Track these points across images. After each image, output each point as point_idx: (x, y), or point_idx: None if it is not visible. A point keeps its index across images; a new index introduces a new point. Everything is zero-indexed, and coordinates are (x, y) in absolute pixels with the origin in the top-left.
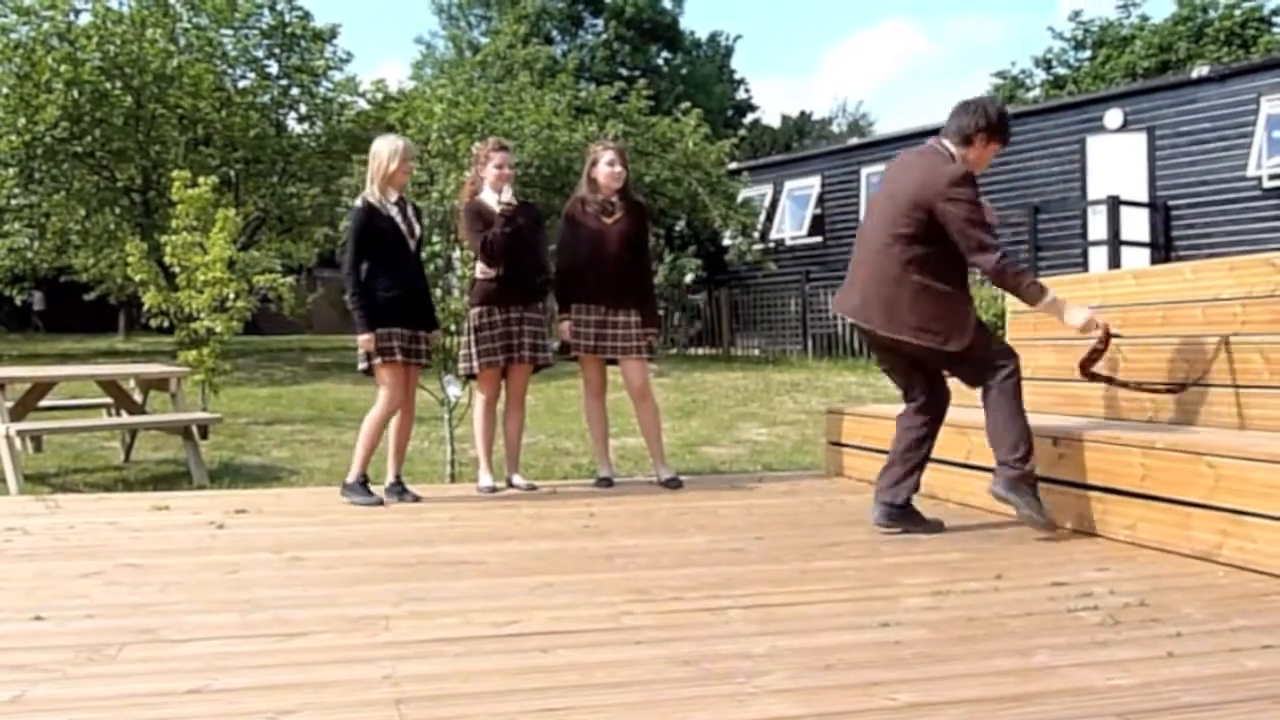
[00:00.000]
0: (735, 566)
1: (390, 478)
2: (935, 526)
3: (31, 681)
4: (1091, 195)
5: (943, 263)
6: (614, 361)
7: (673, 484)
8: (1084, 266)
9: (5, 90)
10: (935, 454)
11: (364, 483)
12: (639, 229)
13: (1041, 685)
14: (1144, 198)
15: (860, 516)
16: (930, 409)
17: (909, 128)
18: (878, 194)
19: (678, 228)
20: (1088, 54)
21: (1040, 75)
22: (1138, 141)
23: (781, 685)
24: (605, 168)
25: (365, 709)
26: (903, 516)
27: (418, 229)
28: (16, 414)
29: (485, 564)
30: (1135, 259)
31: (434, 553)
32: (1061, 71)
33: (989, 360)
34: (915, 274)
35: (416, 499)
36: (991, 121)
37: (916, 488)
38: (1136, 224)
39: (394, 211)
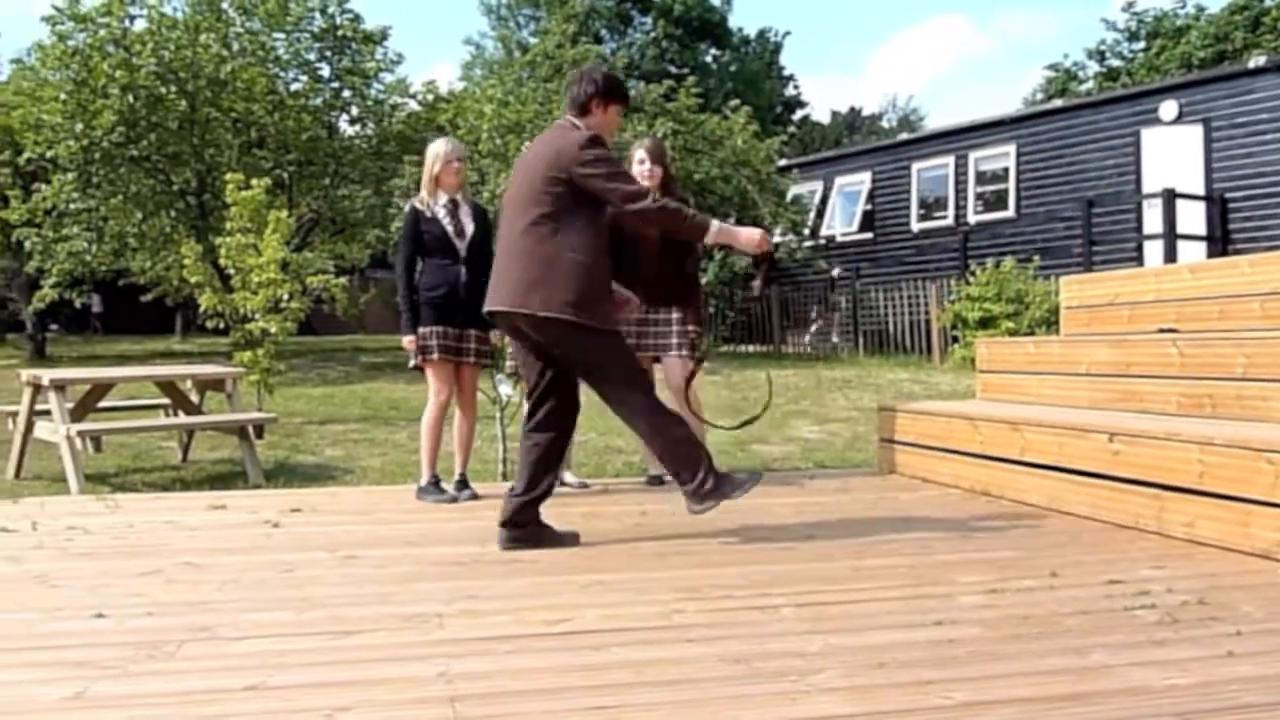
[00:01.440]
0: (786, 564)
1: (456, 474)
2: (569, 539)
3: (93, 678)
4: (1146, 189)
5: (586, 236)
6: (659, 359)
7: (657, 482)
8: (1139, 261)
9: (63, 96)
10: (989, 450)
11: (434, 482)
12: None
13: (1097, 685)
14: (1200, 190)
15: (913, 514)
16: (553, 424)
17: (960, 122)
18: (511, 190)
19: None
20: (1142, 45)
21: (1093, 67)
22: (1194, 134)
23: (834, 683)
24: (637, 166)
25: (419, 706)
26: (528, 535)
27: (469, 229)
28: (77, 415)
29: (537, 562)
30: (1192, 253)
31: (486, 551)
32: (1115, 63)
33: (628, 380)
34: (565, 251)
35: (475, 496)
36: (600, 86)
37: (538, 499)
38: (1193, 217)
39: (442, 213)
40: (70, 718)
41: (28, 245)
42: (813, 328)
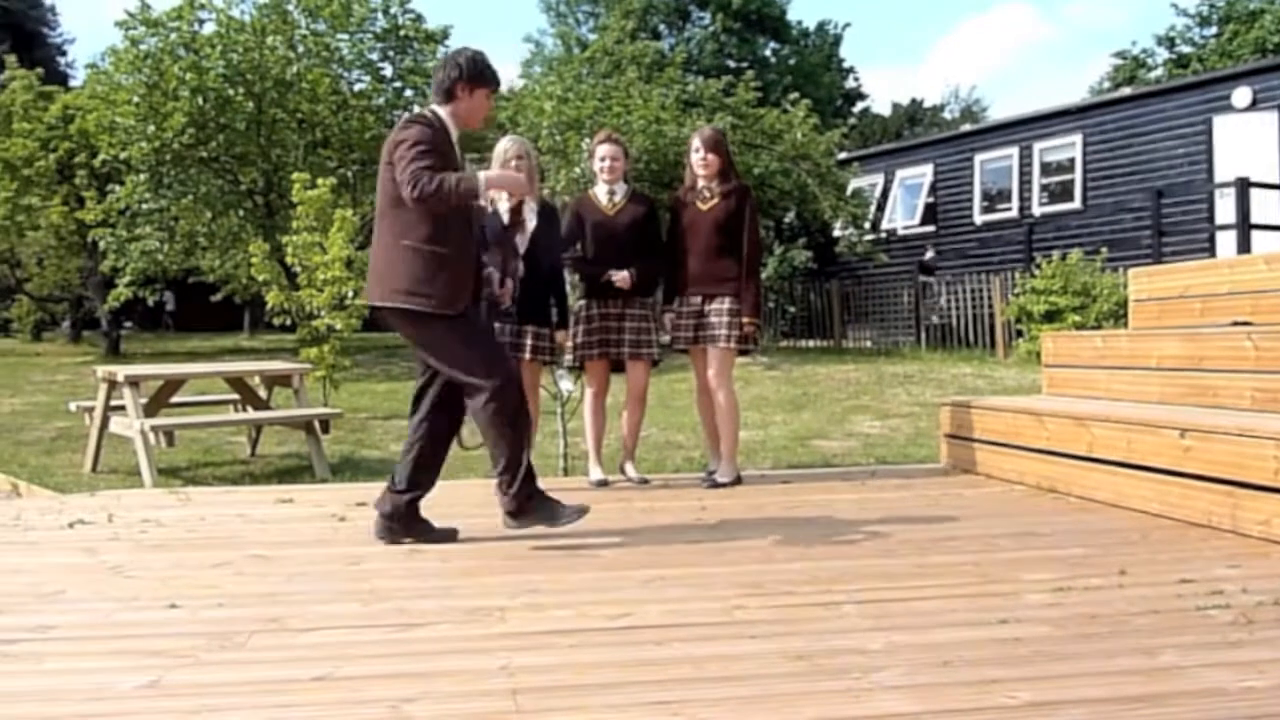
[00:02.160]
0: (849, 561)
1: None
2: (447, 536)
3: (167, 667)
4: (1219, 178)
5: (424, 224)
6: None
7: (720, 485)
8: (1211, 252)
9: (136, 99)
10: (1056, 446)
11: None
12: (735, 214)
13: (1169, 686)
14: (1275, 179)
15: (978, 511)
16: (430, 421)
17: (1024, 112)
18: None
19: (787, 219)
20: (1214, 31)
21: (1163, 54)
22: (1268, 121)
23: (897, 681)
24: (693, 155)
25: (482, 699)
26: (403, 528)
27: (530, 225)
28: (150, 410)
29: (598, 557)
30: (1266, 244)
31: (548, 545)
32: (1185, 50)
33: (468, 367)
34: (405, 239)
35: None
36: (464, 70)
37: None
38: (1267, 207)
39: (503, 210)
40: (146, 705)
41: (102, 245)
42: (930, 312)
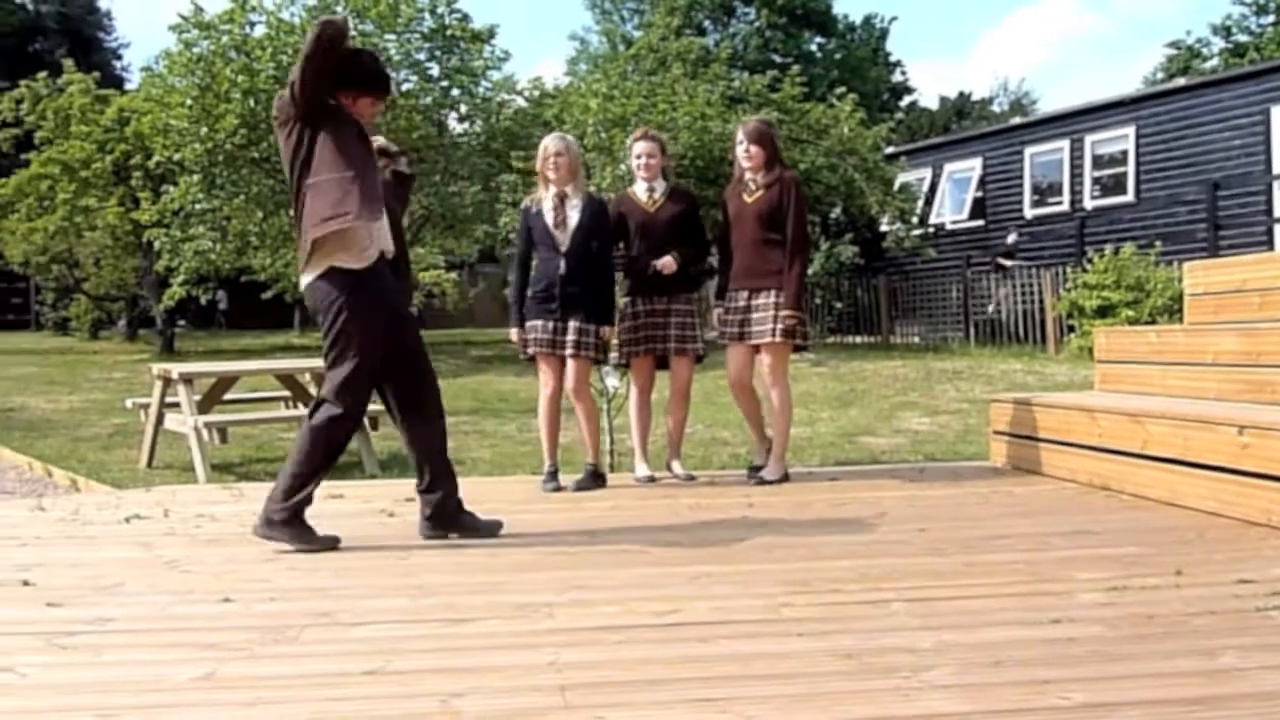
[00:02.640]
0: (897, 558)
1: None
2: (491, 528)
3: (222, 659)
4: (1277, 169)
5: (333, 157)
6: (759, 349)
7: (766, 482)
8: (1269, 245)
9: (189, 101)
10: (1109, 443)
11: (550, 473)
12: (779, 206)
13: (1228, 688)
14: None
15: (1029, 508)
16: (405, 413)
17: (1075, 104)
18: None
19: (833, 215)
20: (1271, 19)
21: (1218, 44)
22: None
23: (947, 680)
24: (737, 148)
25: (531, 694)
26: (437, 525)
27: (573, 222)
28: (203, 407)
29: (645, 553)
30: None
31: (595, 542)
32: (1242, 39)
33: (335, 365)
34: (313, 176)
35: (585, 486)
36: (353, 79)
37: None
38: None
39: (548, 207)
40: (201, 697)
41: (157, 245)
42: (990, 306)
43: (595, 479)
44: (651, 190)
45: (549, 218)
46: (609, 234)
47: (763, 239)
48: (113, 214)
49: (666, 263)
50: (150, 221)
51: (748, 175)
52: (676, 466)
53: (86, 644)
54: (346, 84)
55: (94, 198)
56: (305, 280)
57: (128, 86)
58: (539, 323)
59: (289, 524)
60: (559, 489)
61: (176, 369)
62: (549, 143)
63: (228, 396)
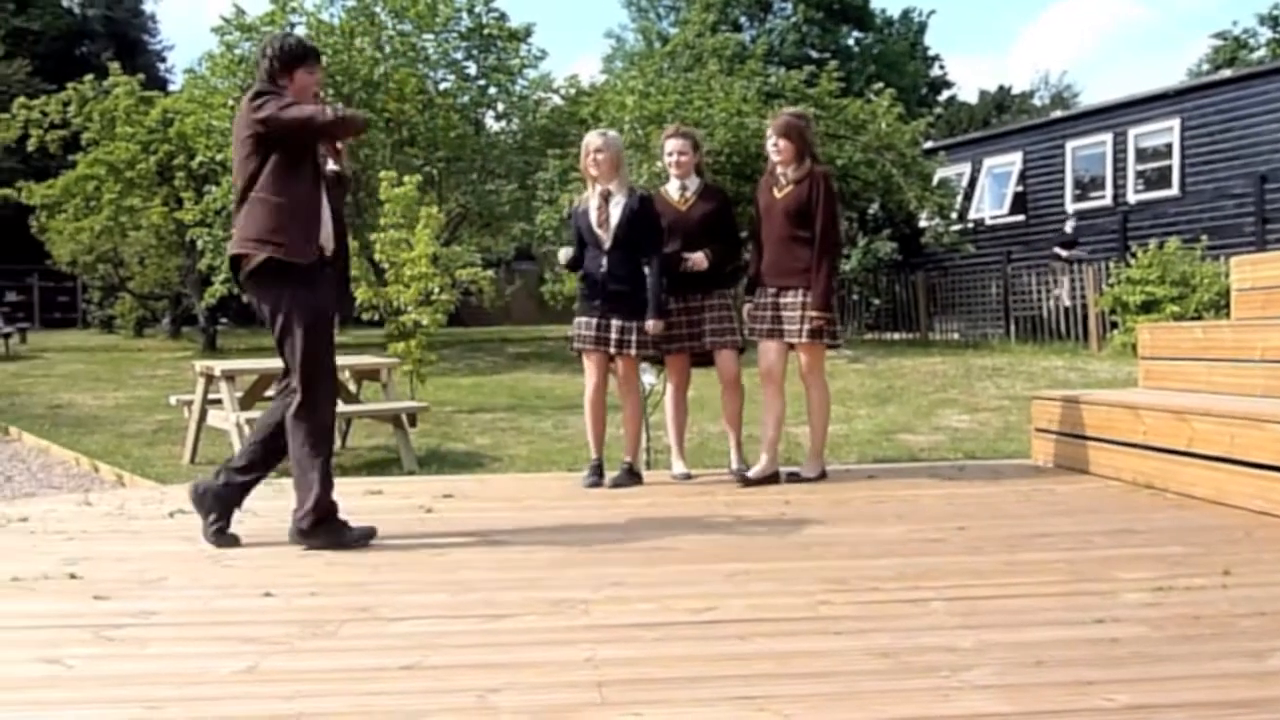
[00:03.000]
0: (936, 557)
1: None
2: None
3: (263, 653)
4: None
5: (275, 179)
6: (793, 346)
7: (804, 479)
8: None
9: (231, 102)
10: (1154, 441)
11: (594, 467)
12: (808, 202)
13: (1277, 690)
14: None
15: (1071, 507)
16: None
17: (1118, 97)
18: None
19: (871, 211)
20: None
21: (1266, 34)
22: None
23: (987, 680)
24: (768, 142)
25: (568, 690)
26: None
27: (615, 218)
28: (245, 404)
29: (682, 551)
30: None
31: (632, 538)
32: None
33: (300, 358)
34: (258, 191)
35: (621, 484)
36: (284, 53)
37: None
38: None
39: (592, 205)
40: (243, 690)
41: (200, 244)
42: (1054, 293)
43: (632, 476)
44: (684, 188)
45: (593, 216)
46: (654, 229)
47: (791, 235)
48: (157, 214)
49: (697, 260)
50: (193, 221)
51: (778, 170)
52: (734, 459)
53: (132, 636)
54: (285, 69)
55: (139, 198)
56: (244, 276)
57: (171, 88)
58: (583, 319)
59: (316, 529)
60: (597, 484)
61: (219, 366)
62: (590, 139)
63: (269, 393)
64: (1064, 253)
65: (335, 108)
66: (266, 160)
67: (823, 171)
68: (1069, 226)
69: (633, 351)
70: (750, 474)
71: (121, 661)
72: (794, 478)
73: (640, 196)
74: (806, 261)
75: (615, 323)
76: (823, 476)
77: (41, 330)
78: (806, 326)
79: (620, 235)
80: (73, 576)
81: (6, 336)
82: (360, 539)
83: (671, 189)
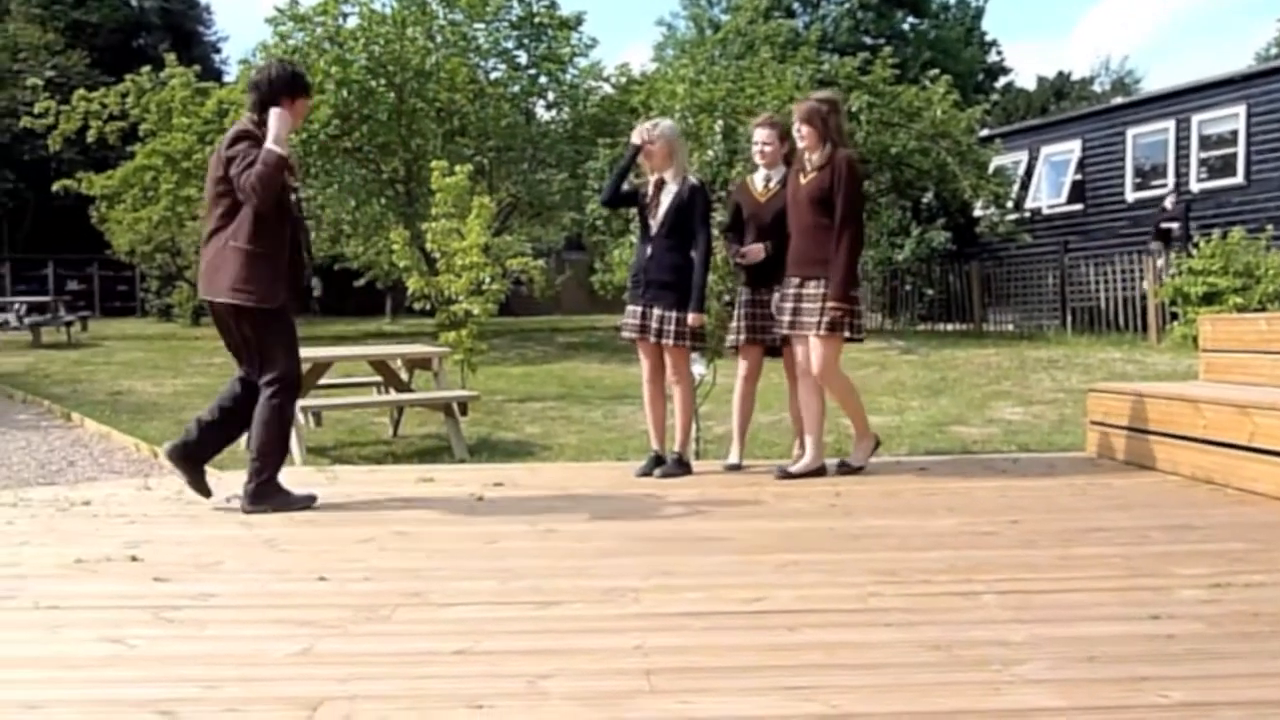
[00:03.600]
0: (988, 550)
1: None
2: (304, 501)
3: (317, 636)
4: None
5: (248, 226)
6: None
7: (845, 469)
8: None
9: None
10: (1214, 435)
11: (652, 458)
12: (830, 188)
13: None
14: None
15: (1127, 501)
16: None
17: (1182, 83)
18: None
19: (925, 200)
20: None
21: None
22: None
23: (1040, 675)
24: (793, 130)
25: (616, 677)
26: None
27: (663, 207)
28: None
29: (732, 540)
30: None
31: (681, 528)
32: None
33: (272, 355)
34: (231, 240)
35: (664, 472)
36: (268, 89)
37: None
38: None
39: (647, 193)
40: (298, 671)
41: None
42: (1158, 261)
43: (681, 466)
44: (768, 179)
45: (647, 204)
46: (701, 219)
47: (814, 224)
48: None
49: (753, 251)
50: None
51: (805, 157)
52: (796, 449)
53: (191, 618)
54: (290, 94)
55: (195, 188)
56: (223, 301)
57: (226, 79)
58: (630, 308)
59: (270, 490)
60: (646, 474)
61: None
62: (645, 125)
63: (322, 382)
64: (1169, 224)
65: (253, 171)
66: (237, 208)
67: (844, 156)
68: (1169, 202)
69: (671, 342)
70: (792, 469)
71: (181, 642)
72: (844, 468)
73: (691, 186)
74: (829, 251)
75: (657, 312)
76: (877, 445)
77: (101, 318)
78: (825, 318)
79: (666, 224)
80: (134, 559)
81: (68, 325)
82: (303, 500)
83: (757, 179)
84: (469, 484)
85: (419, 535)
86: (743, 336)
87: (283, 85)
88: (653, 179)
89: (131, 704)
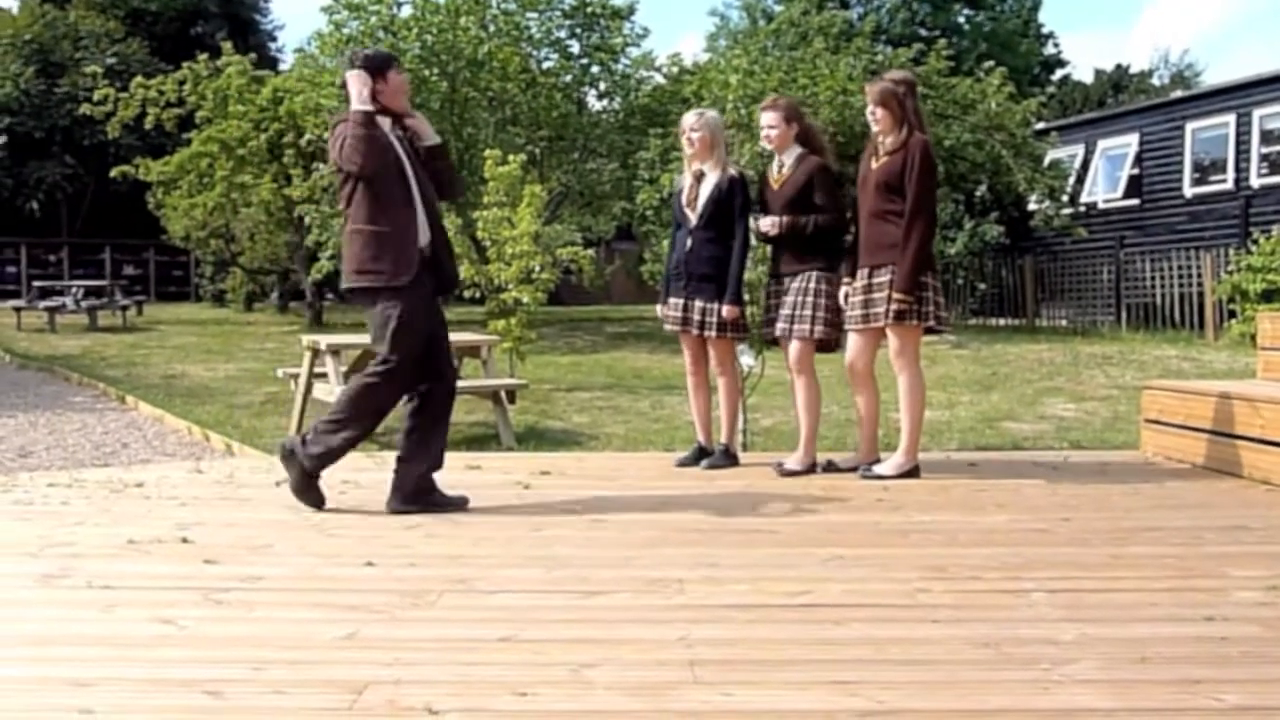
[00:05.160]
0: (1039, 548)
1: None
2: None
3: (364, 621)
4: None
5: (364, 208)
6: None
7: (870, 474)
8: None
9: (339, 82)
10: (1273, 435)
11: (696, 449)
12: (901, 174)
13: None
14: None
15: (1181, 501)
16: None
17: (1243, 76)
18: None
19: (979, 193)
20: None
21: None
22: None
23: (1090, 675)
24: (867, 109)
25: (661, 668)
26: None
27: (702, 198)
28: (349, 378)
29: (778, 533)
30: None
31: (727, 520)
32: None
33: (381, 336)
34: (352, 224)
35: (707, 463)
36: (368, 66)
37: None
38: None
39: (686, 185)
40: (344, 655)
41: (308, 220)
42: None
43: (728, 458)
44: (780, 165)
45: (685, 195)
46: (740, 210)
47: (883, 210)
48: (266, 190)
49: (768, 223)
50: (301, 198)
51: (879, 140)
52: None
53: (240, 600)
54: (371, 72)
55: (250, 175)
56: (346, 287)
57: (281, 67)
58: (672, 300)
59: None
60: (686, 464)
61: (324, 340)
62: (686, 118)
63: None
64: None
65: (344, 141)
66: (355, 190)
67: (919, 141)
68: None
69: (713, 334)
70: (882, 470)
71: (229, 624)
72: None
73: (731, 177)
74: (899, 239)
75: (698, 304)
76: (914, 473)
77: (156, 303)
78: (892, 307)
79: (706, 215)
80: (184, 541)
81: (124, 309)
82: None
83: (773, 166)
84: (516, 472)
85: (465, 522)
86: (768, 329)
87: (362, 68)
88: (693, 169)
89: (180, 684)
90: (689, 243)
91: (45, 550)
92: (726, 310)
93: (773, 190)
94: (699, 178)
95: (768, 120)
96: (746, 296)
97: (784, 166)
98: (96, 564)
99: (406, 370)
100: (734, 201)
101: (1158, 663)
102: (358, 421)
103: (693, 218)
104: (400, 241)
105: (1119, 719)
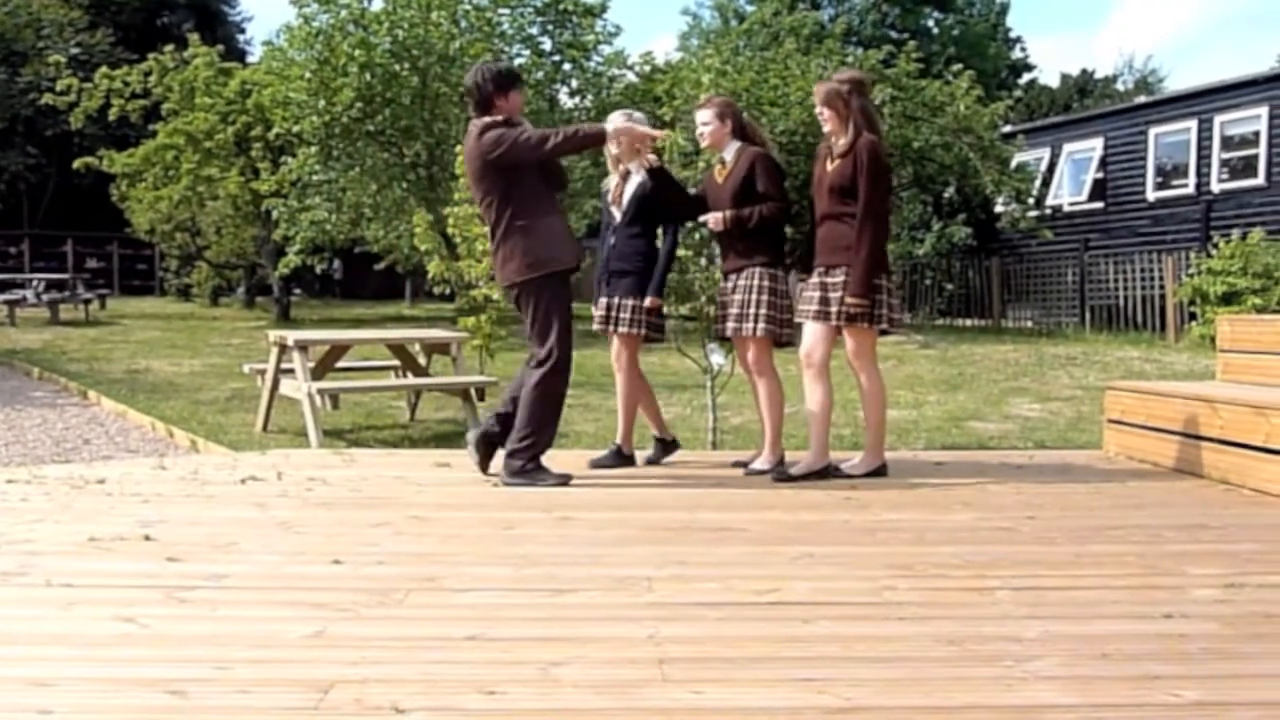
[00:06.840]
0: (1004, 546)
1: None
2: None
3: (330, 619)
4: None
5: (521, 203)
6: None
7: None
8: None
9: (308, 75)
10: (1230, 435)
11: (612, 450)
12: (852, 176)
13: None
14: None
15: (1142, 500)
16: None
17: (1205, 83)
18: None
19: (947, 194)
20: None
21: None
22: None
23: (1053, 671)
24: (816, 109)
25: (630, 666)
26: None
27: (627, 195)
28: (317, 374)
29: (746, 531)
30: None
31: (696, 518)
32: None
33: (545, 329)
34: (513, 222)
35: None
36: (493, 83)
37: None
38: None
39: (612, 185)
40: (310, 654)
41: (275, 214)
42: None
43: (665, 447)
44: (722, 162)
45: (611, 194)
46: (665, 207)
47: (837, 213)
48: (234, 184)
49: (712, 219)
50: (269, 192)
51: (832, 141)
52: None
53: (203, 599)
54: (503, 89)
55: (216, 168)
56: (519, 278)
57: (250, 60)
58: (600, 299)
59: (534, 467)
60: (603, 465)
61: (292, 336)
62: (613, 118)
63: (340, 364)
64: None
65: (562, 131)
66: (510, 190)
67: (867, 142)
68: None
69: (635, 330)
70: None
71: (193, 622)
72: (837, 469)
73: (659, 169)
74: (850, 240)
75: (618, 300)
76: (880, 473)
77: (120, 297)
78: (845, 309)
79: (629, 213)
80: (147, 538)
81: (87, 302)
82: (555, 480)
83: (716, 165)
84: None
85: (434, 520)
86: (720, 326)
87: (494, 82)
88: (620, 170)
89: (142, 683)
90: (612, 240)
91: (3, 547)
92: (649, 301)
93: (718, 186)
94: (625, 177)
95: (701, 118)
96: (704, 297)
97: (726, 163)
98: (56, 561)
99: (569, 361)
100: (666, 192)
101: (1119, 659)
102: (545, 429)
103: (618, 215)
104: (552, 230)
105: (1081, 715)
